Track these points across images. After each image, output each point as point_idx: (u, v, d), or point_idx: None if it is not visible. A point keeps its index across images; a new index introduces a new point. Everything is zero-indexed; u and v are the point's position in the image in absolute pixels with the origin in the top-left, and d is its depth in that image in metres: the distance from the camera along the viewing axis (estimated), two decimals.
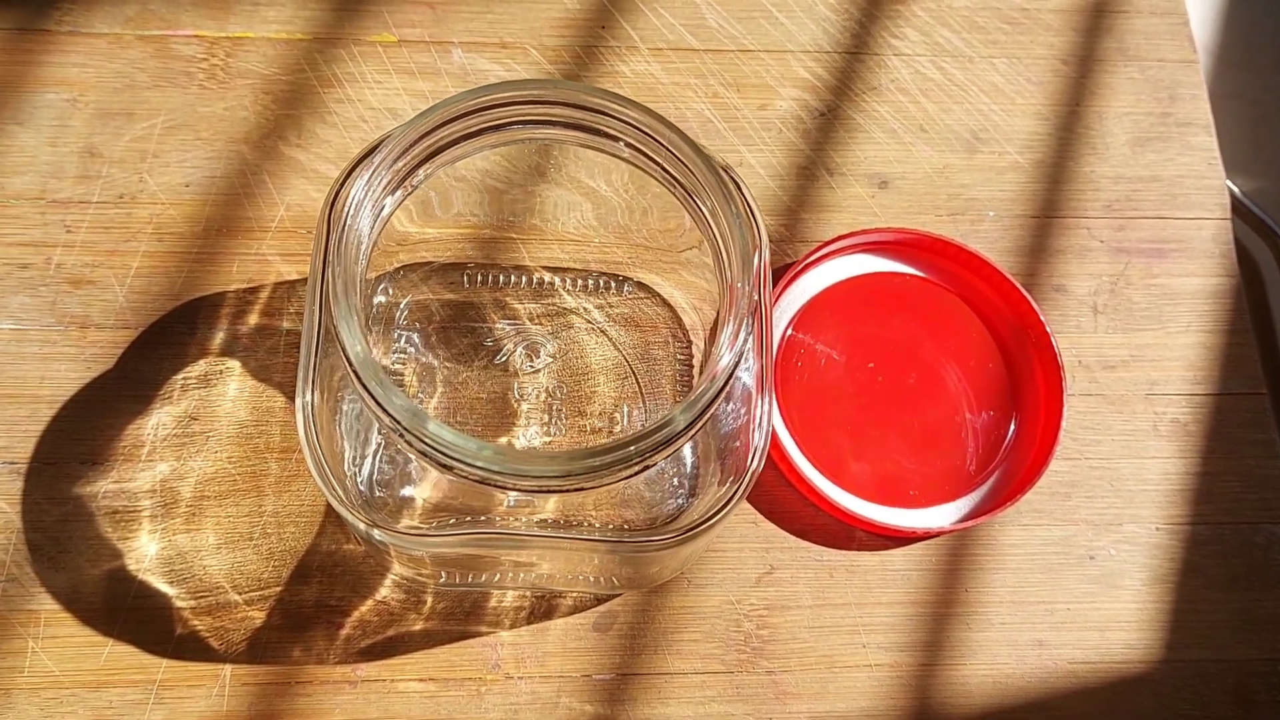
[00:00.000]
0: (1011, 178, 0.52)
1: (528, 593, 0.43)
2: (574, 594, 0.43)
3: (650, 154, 0.36)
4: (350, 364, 0.31)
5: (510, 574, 0.41)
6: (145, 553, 0.42)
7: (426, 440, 0.30)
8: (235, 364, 0.45)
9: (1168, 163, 0.53)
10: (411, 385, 0.44)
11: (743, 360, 0.33)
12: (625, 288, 0.46)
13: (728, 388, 0.32)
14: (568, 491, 0.31)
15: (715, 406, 0.32)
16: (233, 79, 0.50)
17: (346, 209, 0.32)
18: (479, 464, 0.30)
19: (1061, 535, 0.46)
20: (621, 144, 0.36)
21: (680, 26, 0.53)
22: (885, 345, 0.48)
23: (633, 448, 0.30)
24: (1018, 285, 0.47)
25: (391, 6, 0.52)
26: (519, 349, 0.45)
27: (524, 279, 0.46)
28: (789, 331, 0.47)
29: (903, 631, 0.44)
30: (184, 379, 0.45)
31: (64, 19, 0.50)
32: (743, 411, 0.36)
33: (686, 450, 0.41)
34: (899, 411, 0.47)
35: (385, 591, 0.43)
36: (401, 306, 0.45)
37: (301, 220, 0.48)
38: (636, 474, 0.32)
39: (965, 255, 0.48)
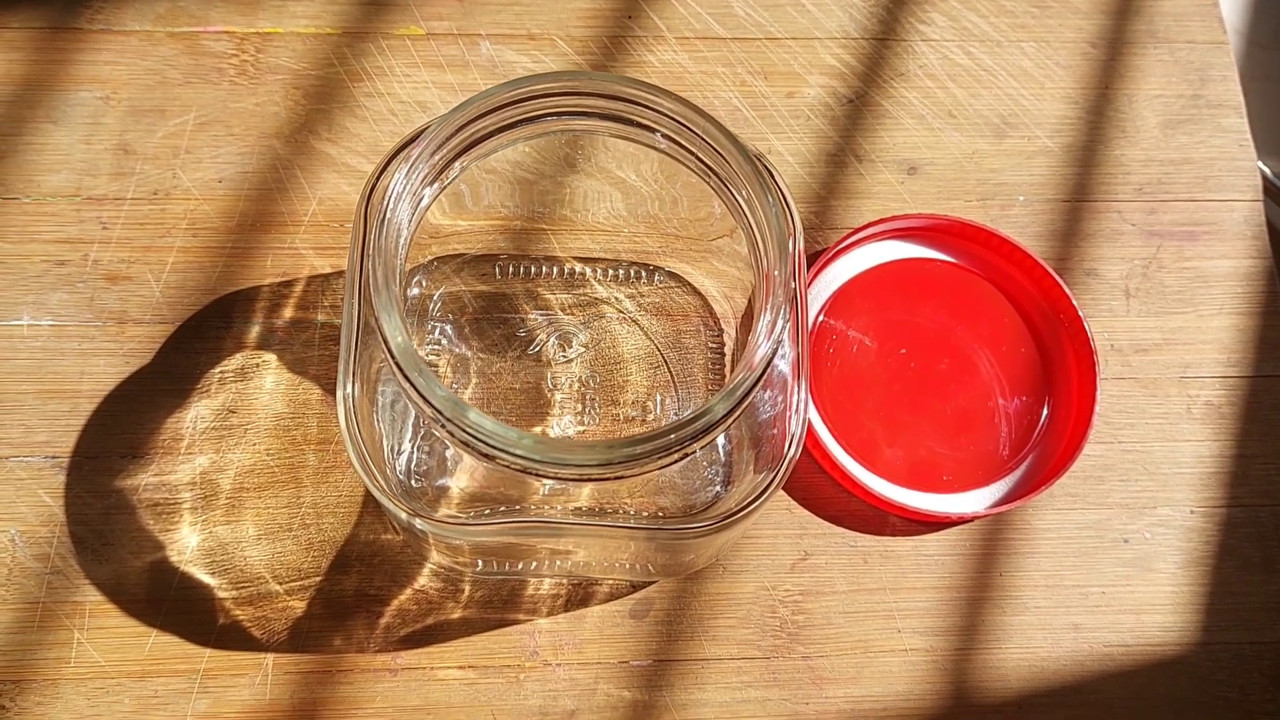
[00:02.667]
0: (1041, 162, 0.51)
1: (564, 581, 0.43)
2: (610, 582, 0.43)
3: (685, 143, 0.36)
4: (391, 354, 0.31)
5: (547, 562, 0.42)
6: (187, 544, 0.43)
7: (468, 429, 0.30)
8: (271, 357, 0.46)
9: (1199, 145, 0.52)
10: (446, 376, 0.44)
11: (779, 348, 0.33)
12: (656, 277, 0.47)
13: (765, 376, 0.32)
14: (605, 480, 0.31)
15: (753, 395, 0.32)
16: (263, 74, 0.50)
17: (386, 201, 0.33)
18: (519, 453, 0.30)
19: (1096, 519, 0.46)
20: (657, 135, 0.36)
21: (707, 15, 0.53)
22: (917, 331, 0.48)
23: (672, 436, 0.30)
24: (1049, 269, 0.47)
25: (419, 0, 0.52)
26: (551, 339, 0.45)
27: (555, 269, 0.47)
28: (821, 318, 0.48)
29: (937, 616, 0.44)
30: (221, 372, 0.45)
31: (95, 17, 0.51)
32: (779, 399, 0.36)
33: (721, 438, 0.41)
34: (931, 397, 0.47)
35: (424, 580, 0.43)
36: (435, 299, 0.46)
37: (334, 214, 0.48)
38: (674, 463, 0.32)
39: (996, 240, 0.48)
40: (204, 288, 0.47)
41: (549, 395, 0.44)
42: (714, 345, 0.46)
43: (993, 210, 0.50)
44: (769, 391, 0.36)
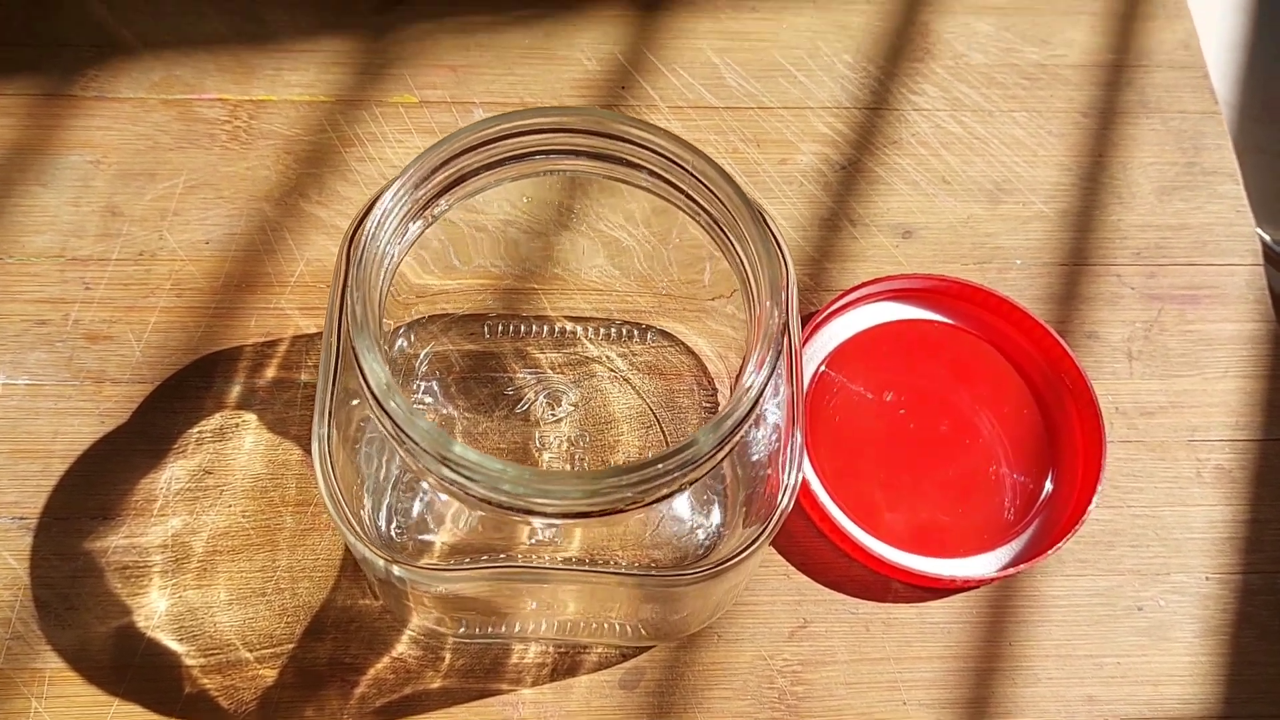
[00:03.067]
0: (1037, 226, 0.51)
1: (550, 648, 0.41)
2: (599, 649, 0.41)
3: (674, 181, 0.35)
4: (369, 388, 0.30)
5: (533, 624, 0.40)
6: (155, 609, 0.41)
7: (451, 462, 0.29)
8: (251, 417, 0.44)
9: (1195, 211, 0.52)
10: (414, 513, 0.43)
11: (771, 384, 0.32)
12: (649, 336, 0.46)
13: (755, 412, 0.31)
14: (593, 516, 0.30)
15: (743, 430, 0.31)
16: (255, 140, 0.50)
17: (368, 230, 0.32)
18: (505, 486, 0.29)
19: (1107, 586, 0.44)
20: (644, 173, 0.35)
21: (699, 86, 0.53)
22: (915, 392, 0.46)
23: (659, 465, 0.29)
24: (1050, 330, 0.46)
25: (413, 69, 0.53)
26: (540, 398, 0.44)
27: (545, 328, 0.46)
28: (822, 369, 0.46)
29: (945, 687, 0.42)
30: (199, 432, 0.44)
31: (90, 84, 0.51)
32: (773, 442, 0.35)
33: (714, 492, 0.40)
34: (932, 459, 0.45)
35: (402, 648, 0.41)
36: (421, 357, 0.45)
37: (321, 275, 0.47)
38: (662, 498, 0.30)
39: (994, 300, 0.47)
40: (186, 347, 0.46)
41: (537, 455, 0.43)
42: (708, 405, 0.45)
43: (990, 273, 0.50)
44: (760, 433, 0.35)
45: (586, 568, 0.35)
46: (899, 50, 0.55)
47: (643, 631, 0.40)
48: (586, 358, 0.45)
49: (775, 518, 0.34)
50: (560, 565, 0.33)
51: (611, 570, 0.33)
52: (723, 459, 0.31)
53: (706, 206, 0.35)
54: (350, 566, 0.42)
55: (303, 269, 0.48)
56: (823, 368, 0.47)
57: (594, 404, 0.44)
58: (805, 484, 0.43)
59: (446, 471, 0.30)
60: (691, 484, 0.31)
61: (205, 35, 0.52)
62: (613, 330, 0.46)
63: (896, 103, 0.54)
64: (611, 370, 0.45)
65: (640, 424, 0.44)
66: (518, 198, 0.46)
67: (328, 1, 0.54)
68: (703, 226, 0.36)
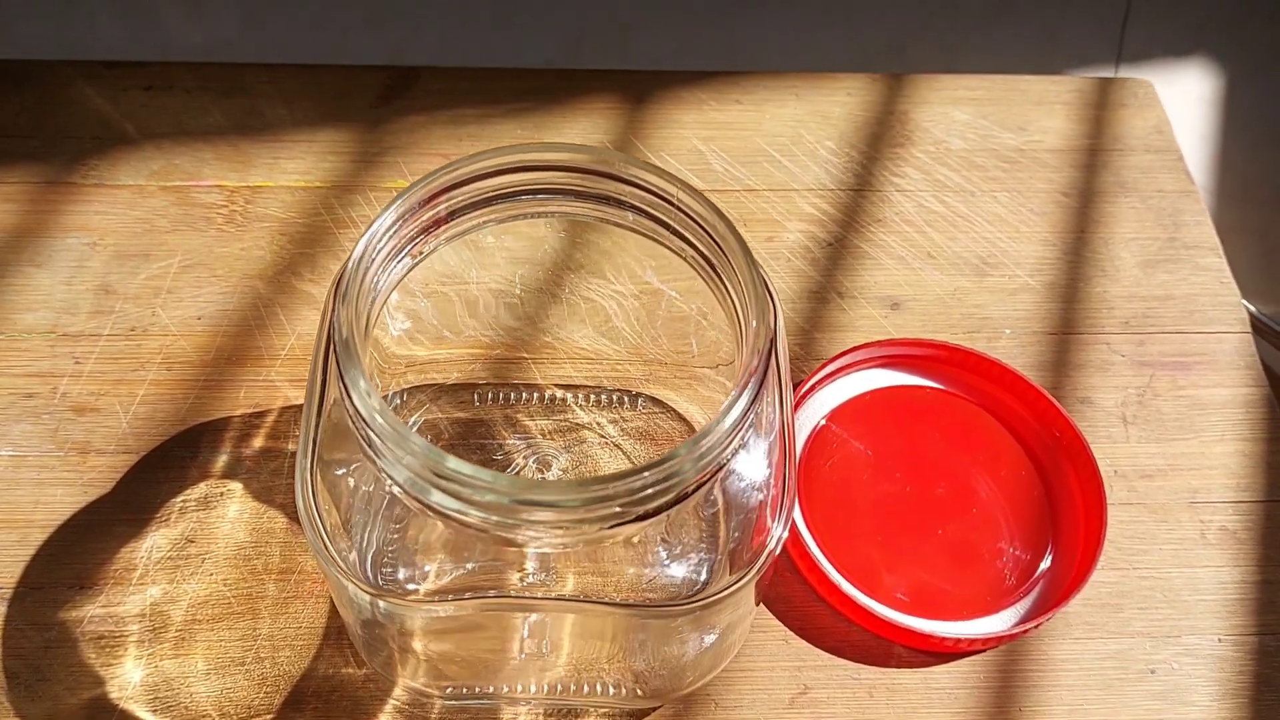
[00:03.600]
0: (1024, 298, 0.51)
1: (541, 713, 0.39)
2: (592, 711, 0.39)
3: (662, 219, 0.36)
4: (355, 407, 0.30)
5: (521, 682, 0.38)
6: (129, 680, 0.39)
7: (444, 477, 0.28)
8: (237, 486, 0.44)
9: (1180, 282, 0.52)
10: (400, 538, 0.42)
11: (757, 406, 0.31)
12: (639, 402, 0.45)
13: (739, 430, 0.30)
14: (586, 526, 0.29)
15: (727, 445, 0.30)
16: (250, 222, 0.51)
17: (355, 257, 0.32)
18: (500, 492, 0.28)
19: (1117, 648, 0.42)
20: (632, 212, 0.36)
21: (687, 170, 0.55)
22: (911, 455, 0.46)
23: (645, 474, 0.28)
24: (1046, 393, 0.46)
25: (407, 157, 0.54)
26: (530, 462, 0.44)
27: (535, 396, 0.45)
28: (817, 429, 0.46)
29: None
30: (183, 501, 0.43)
31: (90, 173, 0.52)
32: (764, 491, 0.34)
33: (706, 542, 0.39)
34: (930, 522, 0.44)
35: (386, 719, 0.39)
36: (410, 425, 0.44)
37: (312, 348, 0.47)
38: (649, 514, 0.30)
39: (987, 365, 0.47)
40: (173, 419, 0.45)
41: (522, 551, 0.42)
42: None
43: (979, 342, 0.50)
44: (748, 483, 0.34)
45: (578, 598, 0.34)
46: (880, 137, 0.57)
47: (637, 691, 0.38)
48: (577, 424, 0.45)
49: (763, 558, 0.33)
50: (551, 596, 0.32)
51: (602, 600, 0.32)
52: (708, 479, 0.30)
53: (694, 241, 0.35)
54: (334, 633, 0.41)
55: (293, 342, 0.48)
56: (822, 422, 0.46)
57: (584, 469, 0.44)
58: (802, 547, 0.42)
59: (437, 496, 0.29)
60: (680, 501, 0.30)
61: (205, 127, 0.54)
62: (603, 397, 0.45)
63: (879, 184, 0.55)
64: (602, 436, 0.45)
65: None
66: (510, 271, 0.47)
67: (325, 96, 0.56)
68: (689, 262, 0.36)
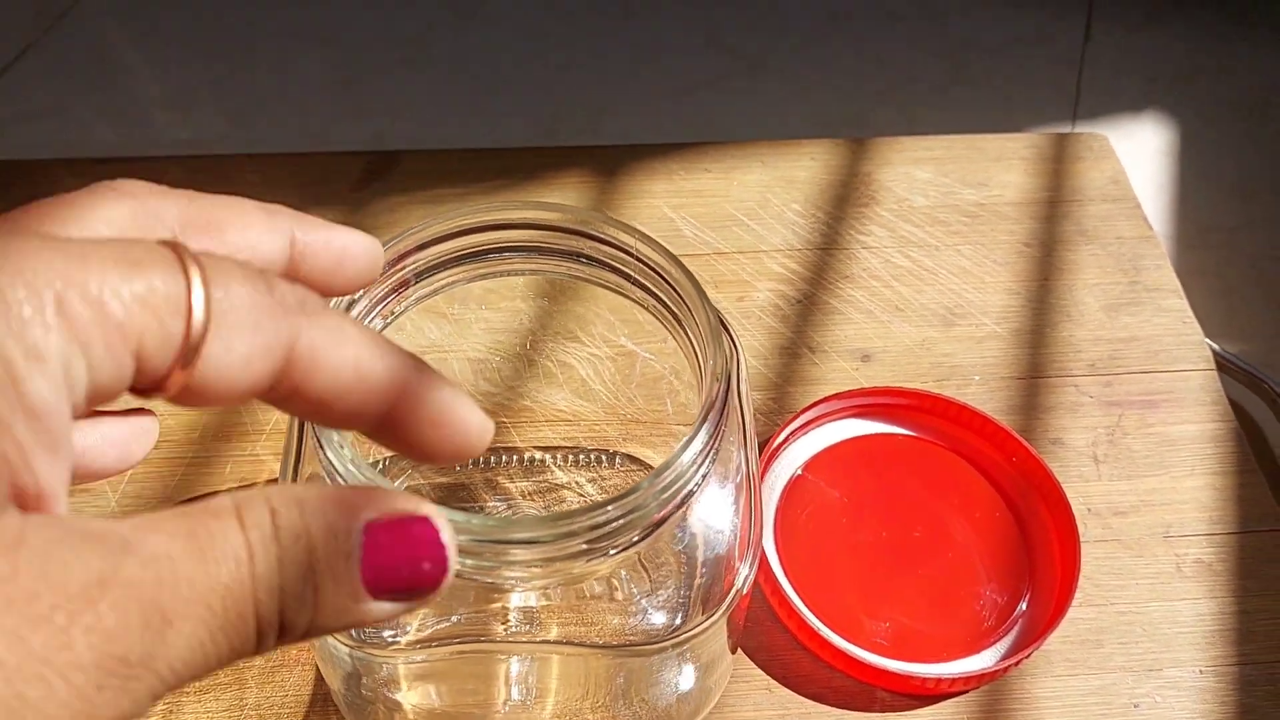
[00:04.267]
0: (992, 345, 0.53)
1: None
2: None
3: (621, 269, 0.37)
4: (330, 464, 0.31)
5: None
6: None
7: None
8: None
9: (1144, 324, 0.54)
10: None
11: (717, 440, 0.32)
12: (617, 460, 0.46)
13: (700, 465, 0.31)
14: (559, 565, 0.30)
15: (688, 479, 0.31)
16: None
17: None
18: (473, 531, 0.28)
19: (1100, 684, 0.43)
20: (592, 267, 0.37)
21: (658, 236, 0.56)
22: (886, 501, 0.47)
23: (610, 507, 0.29)
24: (1016, 435, 0.47)
25: (388, 235, 0.55)
26: None
27: (514, 458, 0.46)
28: (794, 478, 0.47)
29: None
30: None
31: None
32: (732, 536, 0.35)
33: (679, 589, 0.39)
34: (908, 565, 0.45)
35: None
36: None
37: None
38: (620, 547, 0.30)
39: (956, 410, 0.48)
40: (161, 496, 0.46)
41: (501, 597, 0.42)
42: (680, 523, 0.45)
43: (949, 389, 0.51)
44: (718, 529, 0.35)
45: (559, 640, 0.34)
46: (844, 198, 0.58)
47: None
48: (556, 484, 0.46)
49: (731, 596, 0.34)
50: (535, 641, 0.33)
51: (579, 642, 0.32)
52: (671, 513, 0.31)
53: (654, 290, 0.36)
54: (320, 701, 0.41)
55: (277, 418, 0.49)
56: (798, 471, 0.47)
57: None
58: (782, 595, 0.43)
59: None
60: (646, 534, 0.31)
61: None
62: (581, 457, 0.46)
63: (846, 243, 0.56)
64: (581, 495, 0.46)
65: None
66: (488, 339, 0.48)
67: (308, 180, 0.58)
68: (652, 312, 0.37)
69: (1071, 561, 0.44)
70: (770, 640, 0.43)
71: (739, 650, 0.43)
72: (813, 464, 0.48)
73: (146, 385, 0.18)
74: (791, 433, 0.48)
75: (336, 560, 0.18)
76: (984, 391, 0.51)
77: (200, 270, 0.18)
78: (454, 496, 0.45)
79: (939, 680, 0.41)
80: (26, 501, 0.17)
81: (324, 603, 0.18)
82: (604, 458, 0.46)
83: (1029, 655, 0.42)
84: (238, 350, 0.19)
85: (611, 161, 0.60)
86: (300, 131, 0.91)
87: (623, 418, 0.46)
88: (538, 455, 0.46)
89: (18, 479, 0.17)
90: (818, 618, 0.43)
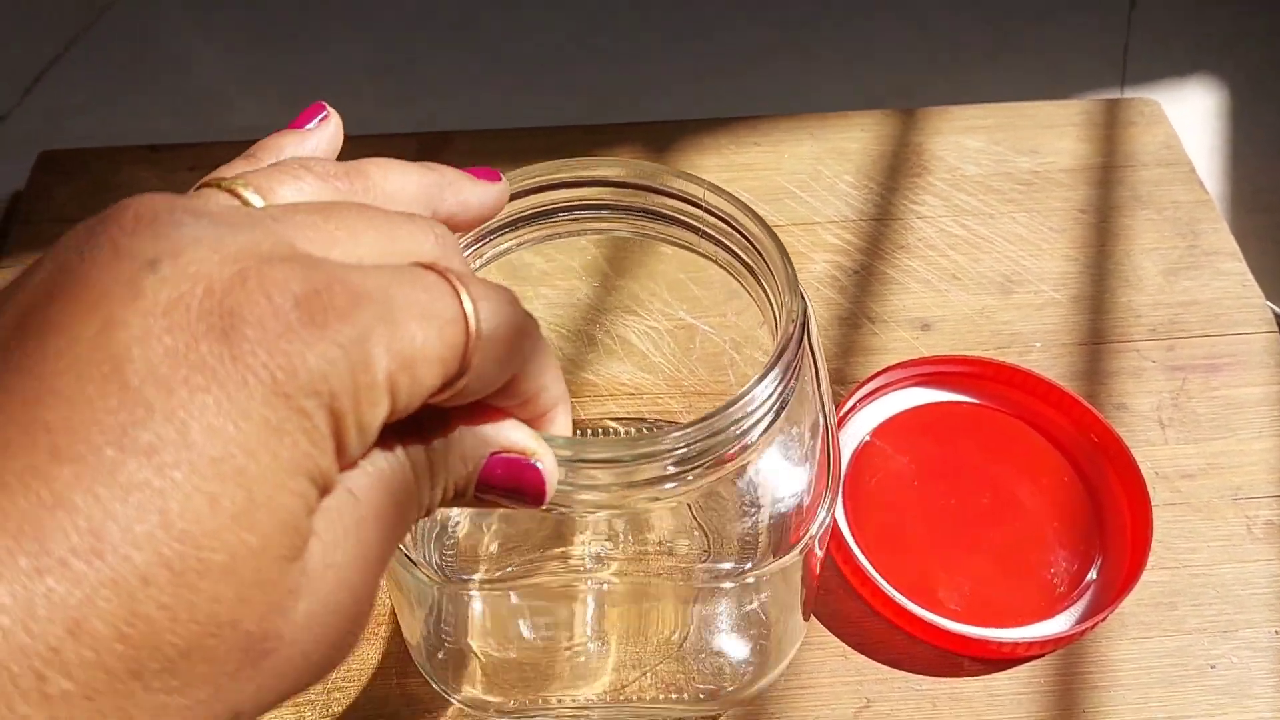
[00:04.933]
0: (1051, 312, 0.52)
1: None
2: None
3: (692, 224, 0.36)
4: None
5: (577, 689, 0.39)
6: None
7: None
8: None
9: (1203, 288, 0.53)
10: (463, 525, 0.42)
11: (793, 375, 0.31)
12: None
13: (777, 397, 0.31)
14: (635, 492, 0.29)
15: (765, 409, 0.30)
16: None
17: None
18: (559, 449, 0.28)
19: (1175, 646, 0.43)
20: (669, 224, 0.37)
21: None
22: (953, 469, 0.47)
23: (691, 430, 0.29)
24: (1082, 400, 0.47)
25: None
26: None
27: (579, 433, 0.46)
28: (863, 444, 0.47)
29: None
30: None
31: None
32: (803, 493, 0.35)
33: (751, 526, 0.39)
34: (978, 533, 0.45)
35: None
36: None
37: None
38: (695, 472, 0.30)
39: (1021, 376, 0.48)
40: None
41: (572, 538, 0.43)
42: (746, 497, 0.45)
43: (1010, 358, 0.51)
44: (789, 467, 0.35)
45: (631, 576, 0.34)
46: (896, 168, 0.58)
47: (690, 692, 0.39)
48: None
49: (805, 539, 0.34)
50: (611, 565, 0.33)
51: (654, 573, 0.32)
52: (746, 444, 0.30)
53: (727, 243, 0.36)
54: (393, 665, 0.41)
55: None
56: (866, 437, 0.47)
57: None
58: (855, 563, 0.43)
59: None
60: (719, 463, 0.30)
61: None
62: (646, 429, 0.46)
63: (900, 213, 0.56)
64: None
65: (675, 515, 0.44)
66: (548, 314, 0.48)
67: None
68: (724, 267, 0.37)
69: (1144, 525, 0.44)
70: (843, 608, 0.43)
71: (813, 619, 0.43)
72: (880, 431, 0.48)
73: None
74: (856, 402, 0.48)
75: (462, 478, 0.22)
76: (1045, 358, 0.51)
77: (475, 311, 0.20)
78: None
79: (1016, 644, 0.41)
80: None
81: (445, 498, 0.22)
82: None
83: (1105, 618, 0.42)
84: (486, 377, 0.21)
85: (661, 137, 0.60)
86: (351, 116, 0.91)
87: (685, 390, 0.46)
88: (605, 427, 0.46)
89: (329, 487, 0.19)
90: (891, 585, 0.43)
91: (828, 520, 0.34)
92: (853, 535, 0.44)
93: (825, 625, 0.43)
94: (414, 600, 0.36)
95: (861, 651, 0.42)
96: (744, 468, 0.34)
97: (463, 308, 0.20)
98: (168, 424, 0.17)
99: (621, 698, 0.39)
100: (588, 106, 0.91)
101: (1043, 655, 0.42)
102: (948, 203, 0.57)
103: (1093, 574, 0.44)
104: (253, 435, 0.17)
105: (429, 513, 0.22)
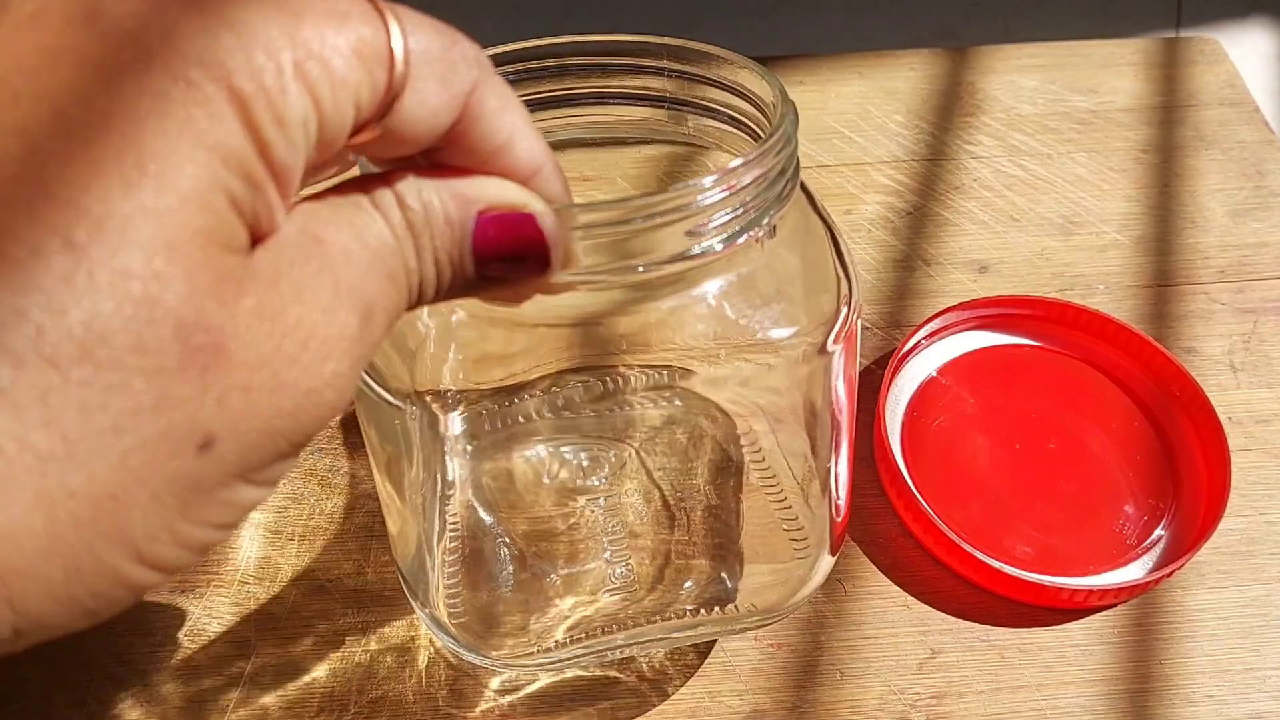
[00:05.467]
0: (1114, 254, 0.50)
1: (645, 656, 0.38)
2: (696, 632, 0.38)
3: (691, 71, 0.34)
4: None
5: (599, 566, 0.37)
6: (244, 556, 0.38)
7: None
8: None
9: (1273, 229, 0.51)
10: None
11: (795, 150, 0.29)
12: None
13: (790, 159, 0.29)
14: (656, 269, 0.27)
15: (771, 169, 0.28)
16: None
17: None
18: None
19: (1254, 595, 0.41)
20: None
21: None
22: (1017, 415, 0.45)
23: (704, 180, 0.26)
24: (1154, 342, 0.45)
25: None
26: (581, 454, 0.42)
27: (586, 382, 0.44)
28: (927, 380, 0.45)
29: (1097, 712, 0.38)
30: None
31: None
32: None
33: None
34: (1044, 480, 0.43)
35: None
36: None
37: None
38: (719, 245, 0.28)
39: (1088, 318, 0.46)
40: None
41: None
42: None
43: (1073, 300, 0.48)
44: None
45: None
46: (948, 107, 0.56)
47: (737, 605, 0.37)
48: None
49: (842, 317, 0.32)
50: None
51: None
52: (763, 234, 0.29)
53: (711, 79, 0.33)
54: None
55: None
56: (932, 373, 0.45)
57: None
58: (917, 509, 0.41)
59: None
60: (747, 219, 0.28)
61: None
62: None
63: (953, 153, 0.54)
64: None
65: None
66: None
67: None
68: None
69: (1221, 471, 0.42)
70: (906, 557, 0.42)
71: (872, 568, 0.41)
72: (944, 371, 0.46)
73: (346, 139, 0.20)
74: (917, 342, 0.45)
75: (452, 244, 0.21)
76: (1110, 301, 0.49)
77: (398, 21, 0.19)
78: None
79: (1089, 592, 0.39)
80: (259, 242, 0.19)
81: (443, 274, 0.21)
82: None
83: (1181, 566, 0.40)
84: (429, 102, 0.20)
85: None
86: None
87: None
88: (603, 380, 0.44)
89: (259, 230, 0.18)
90: (955, 532, 0.41)
91: (852, 322, 0.32)
92: (914, 481, 0.42)
93: (886, 575, 0.41)
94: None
95: (924, 601, 0.41)
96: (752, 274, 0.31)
97: (377, 8, 0.19)
98: (37, 105, 0.16)
99: (650, 591, 0.37)
100: None
101: (1116, 605, 0.40)
102: (1003, 143, 0.54)
103: (1166, 522, 0.42)
104: (133, 104, 0.16)
105: (430, 295, 0.21)
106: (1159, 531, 0.42)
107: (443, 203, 0.21)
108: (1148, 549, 0.41)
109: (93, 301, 0.16)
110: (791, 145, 0.29)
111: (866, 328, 0.48)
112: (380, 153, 0.21)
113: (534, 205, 0.22)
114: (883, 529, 0.42)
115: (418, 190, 0.21)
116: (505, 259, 0.22)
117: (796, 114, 0.30)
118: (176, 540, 0.17)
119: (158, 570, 0.17)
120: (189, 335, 0.16)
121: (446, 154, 0.22)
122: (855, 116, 0.55)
